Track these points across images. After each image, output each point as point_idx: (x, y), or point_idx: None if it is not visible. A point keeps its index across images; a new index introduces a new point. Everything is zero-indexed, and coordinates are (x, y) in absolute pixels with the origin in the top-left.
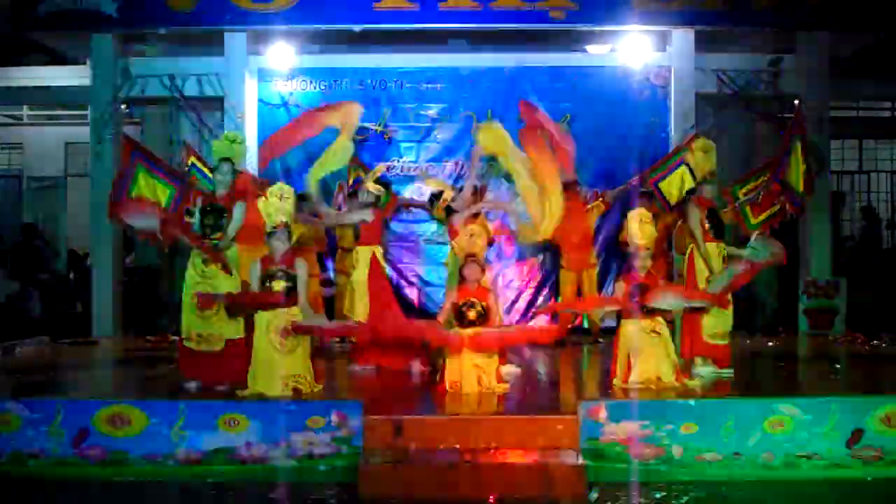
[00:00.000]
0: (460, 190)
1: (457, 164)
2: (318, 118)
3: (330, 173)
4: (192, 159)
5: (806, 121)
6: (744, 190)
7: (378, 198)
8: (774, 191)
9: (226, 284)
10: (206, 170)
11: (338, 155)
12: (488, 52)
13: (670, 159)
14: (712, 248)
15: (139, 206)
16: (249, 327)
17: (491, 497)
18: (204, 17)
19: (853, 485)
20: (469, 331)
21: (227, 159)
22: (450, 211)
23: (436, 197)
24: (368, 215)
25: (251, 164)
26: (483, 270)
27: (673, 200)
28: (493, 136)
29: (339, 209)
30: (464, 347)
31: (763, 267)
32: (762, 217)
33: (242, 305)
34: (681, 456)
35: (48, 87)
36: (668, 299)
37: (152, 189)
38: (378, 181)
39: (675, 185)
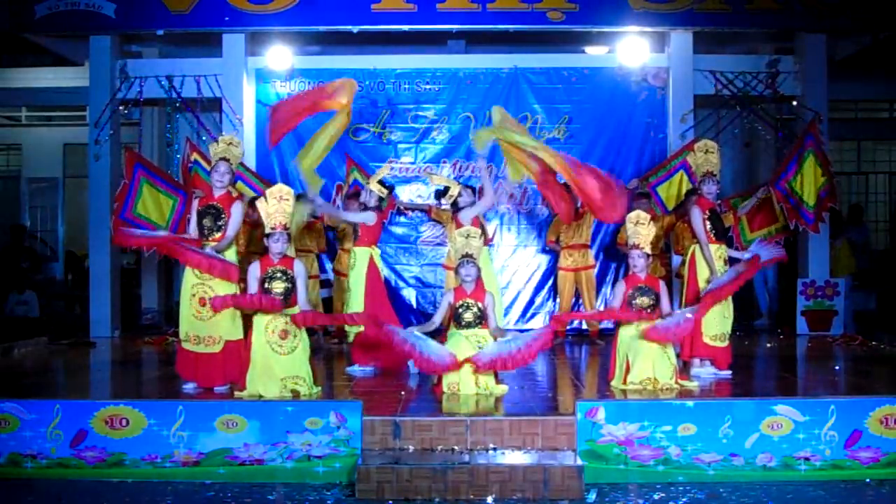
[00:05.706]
0: (466, 187)
1: (455, 165)
2: (319, 100)
3: (320, 160)
4: (195, 156)
5: (820, 133)
6: (744, 203)
7: (381, 199)
8: (776, 199)
9: (223, 286)
10: (209, 166)
11: (331, 135)
12: (486, 54)
13: (669, 164)
14: (713, 249)
15: (140, 237)
16: (248, 329)
17: (489, 498)
18: (202, 19)
19: (851, 486)
20: (463, 355)
21: (225, 159)
22: (455, 207)
23: (442, 193)
24: (371, 218)
25: (249, 164)
26: (480, 271)
27: (670, 205)
28: (485, 137)
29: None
30: (457, 368)
31: (762, 266)
32: (760, 233)
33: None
34: (679, 457)
35: (46, 89)
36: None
37: (156, 200)
38: (380, 182)
39: (672, 189)
